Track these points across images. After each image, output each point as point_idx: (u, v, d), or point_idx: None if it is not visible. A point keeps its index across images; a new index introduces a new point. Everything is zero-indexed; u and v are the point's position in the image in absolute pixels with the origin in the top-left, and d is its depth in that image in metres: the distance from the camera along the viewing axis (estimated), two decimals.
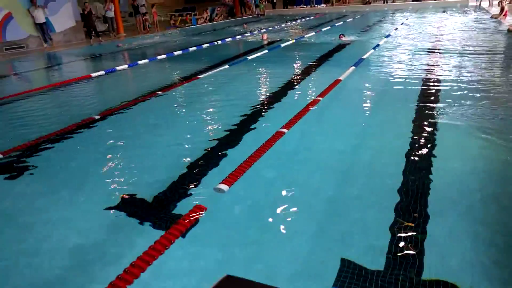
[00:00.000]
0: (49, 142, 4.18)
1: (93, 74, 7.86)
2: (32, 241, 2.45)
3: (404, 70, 6.55)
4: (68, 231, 2.52)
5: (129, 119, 4.98)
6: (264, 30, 15.06)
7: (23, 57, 11.83)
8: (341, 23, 16.46)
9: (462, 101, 4.56)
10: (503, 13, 13.45)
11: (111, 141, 4.13)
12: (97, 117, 4.91)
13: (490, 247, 2.11)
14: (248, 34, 14.14)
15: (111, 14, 16.75)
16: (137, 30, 18.43)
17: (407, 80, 5.83)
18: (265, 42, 11.78)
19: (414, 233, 2.24)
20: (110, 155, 3.73)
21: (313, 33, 13.11)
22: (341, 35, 10.95)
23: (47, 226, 2.61)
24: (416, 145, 3.49)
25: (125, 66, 8.82)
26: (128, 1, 24.38)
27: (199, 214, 2.50)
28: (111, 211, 2.70)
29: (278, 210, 2.60)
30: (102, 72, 7.97)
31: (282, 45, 10.71)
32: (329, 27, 14.79)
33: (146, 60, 9.44)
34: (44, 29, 13.68)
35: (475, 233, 2.22)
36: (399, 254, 2.08)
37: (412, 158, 3.25)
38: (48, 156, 3.83)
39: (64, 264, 2.18)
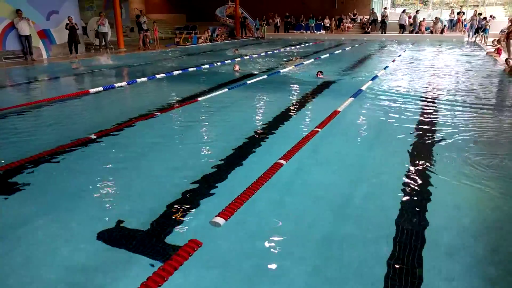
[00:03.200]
0: (43, 160, 4.11)
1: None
2: (17, 262, 2.35)
3: (402, 101, 6.62)
4: (55, 255, 2.44)
5: (124, 140, 4.93)
6: (239, 59, 13.69)
7: (14, 68, 11.77)
8: (340, 51, 16.74)
9: (458, 133, 4.60)
10: (497, 51, 13.82)
11: (105, 163, 4.07)
12: (94, 136, 4.86)
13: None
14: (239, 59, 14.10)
15: (104, 29, 16.28)
16: (138, 46, 18.58)
17: (404, 114, 5.88)
18: (237, 74, 10.18)
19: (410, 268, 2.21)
20: (103, 178, 3.67)
21: (312, 60, 13.29)
22: (319, 73, 9.48)
23: (33, 247, 2.53)
24: (411, 185, 3.48)
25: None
26: (130, 17, 24.73)
27: (194, 250, 2.44)
28: (102, 239, 2.63)
29: (274, 246, 2.55)
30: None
31: (282, 71, 10.83)
32: (328, 55, 15.02)
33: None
34: (29, 41, 13.27)
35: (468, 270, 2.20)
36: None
37: (407, 198, 3.23)
38: (43, 175, 3.76)
39: None
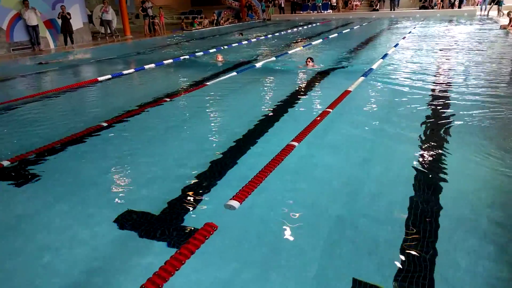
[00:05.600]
0: (55, 150, 4.14)
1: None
2: (32, 251, 2.39)
3: (413, 80, 6.49)
4: (72, 242, 2.47)
5: (136, 127, 4.94)
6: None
7: (21, 59, 11.81)
8: (348, 30, 16.43)
9: (472, 114, 4.50)
10: (511, 24, 13.39)
11: (118, 150, 4.09)
12: (105, 124, 4.87)
13: (497, 263, 2.06)
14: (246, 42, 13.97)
15: (108, 17, 16.14)
16: (144, 33, 18.47)
17: (416, 92, 5.77)
18: (219, 64, 9.38)
19: (424, 250, 2.19)
20: (118, 165, 3.70)
21: (321, 40, 13.08)
22: (309, 60, 8.25)
23: (51, 236, 2.57)
24: (425, 162, 3.43)
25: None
26: (136, 3, 24.51)
27: (210, 233, 2.45)
28: (118, 225, 2.66)
29: (287, 229, 2.55)
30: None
31: (289, 52, 10.68)
32: (336, 34, 14.76)
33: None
34: (36, 31, 13.25)
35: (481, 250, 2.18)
36: (410, 271, 2.02)
37: (420, 177, 3.19)
38: (56, 163, 3.79)
39: (66, 280, 2.13)
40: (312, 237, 2.47)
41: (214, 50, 11.79)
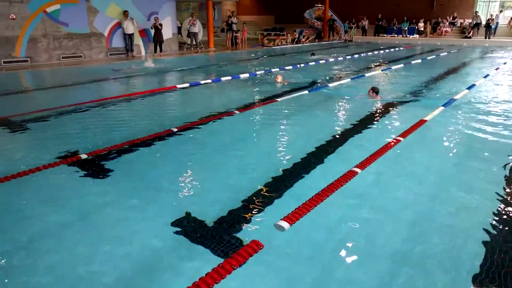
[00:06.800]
0: (129, 149, 4.45)
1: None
2: (94, 240, 2.57)
3: (502, 116, 5.88)
4: (131, 238, 2.61)
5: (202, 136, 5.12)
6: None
7: (111, 63, 12.97)
8: (434, 56, 15.55)
9: None
10: None
11: (185, 156, 4.27)
12: (175, 129, 5.14)
13: None
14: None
15: (194, 29, 17.19)
16: (226, 46, 19.33)
17: (503, 129, 5.21)
18: (278, 85, 8.75)
19: None
20: (182, 171, 3.86)
21: (402, 65, 12.54)
22: (371, 90, 7.23)
23: (108, 229, 2.74)
24: (505, 208, 3.05)
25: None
26: (222, 18, 25.81)
27: (254, 251, 2.42)
28: (175, 228, 2.75)
29: (338, 259, 2.42)
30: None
31: (367, 75, 10.39)
32: (419, 60, 14.04)
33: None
34: (131, 39, 14.61)
35: None
36: None
37: (498, 224, 2.84)
38: (127, 162, 4.07)
39: (117, 274, 2.24)
40: (365, 272, 2.32)
41: (291, 67, 11.91)
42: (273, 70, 11.26)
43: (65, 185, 3.54)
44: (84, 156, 4.10)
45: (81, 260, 2.41)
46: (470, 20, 25.17)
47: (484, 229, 2.76)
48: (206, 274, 2.16)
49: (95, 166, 3.92)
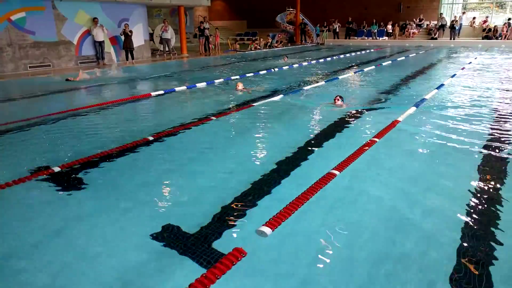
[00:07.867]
0: (104, 159, 4.34)
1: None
2: (72, 256, 2.47)
3: (470, 113, 6.10)
4: (108, 251, 2.53)
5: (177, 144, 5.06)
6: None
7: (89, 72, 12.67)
8: (403, 58, 16.00)
9: None
10: None
11: (161, 165, 4.20)
12: (151, 138, 5.05)
13: None
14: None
15: (167, 35, 17.01)
16: (199, 52, 19.23)
17: (473, 125, 5.41)
18: (239, 93, 8.43)
19: None
20: (160, 180, 3.79)
21: (373, 66, 12.83)
22: (337, 98, 6.94)
23: (89, 242, 2.65)
24: (479, 204, 3.16)
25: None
26: (194, 24, 25.70)
27: (237, 259, 2.39)
28: (154, 240, 2.69)
29: (320, 262, 2.43)
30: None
31: (340, 77, 10.57)
32: (390, 62, 14.42)
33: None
34: (102, 47, 14.29)
35: None
36: None
37: (471, 223, 2.93)
38: (102, 173, 3.96)
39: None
40: (344, 275, 2.33)
41: (265, 72, 11.96)
42: (239, 77, 11.27)
43: (38, 199, 3.40)
44: (57, 169, 3.96)
45: (57, 279, 2.32)
46: (436, 22, 26.10)
47: (455, 229, 2.84)
48: (189, 285, 2.12)
49: (69, 179, 3.79)
